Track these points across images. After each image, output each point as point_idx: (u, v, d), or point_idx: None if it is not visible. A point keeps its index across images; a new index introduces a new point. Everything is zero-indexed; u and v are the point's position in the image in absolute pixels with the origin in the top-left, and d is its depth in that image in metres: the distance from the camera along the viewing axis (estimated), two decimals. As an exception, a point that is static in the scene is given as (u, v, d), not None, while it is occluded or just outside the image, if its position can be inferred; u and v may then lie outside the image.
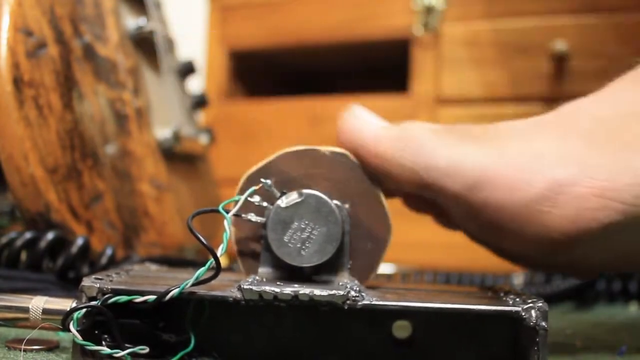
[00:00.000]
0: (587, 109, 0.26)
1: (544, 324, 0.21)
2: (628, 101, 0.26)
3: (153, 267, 0.31)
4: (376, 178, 0.26)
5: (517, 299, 0.22)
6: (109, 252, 0.36)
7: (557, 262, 0.27)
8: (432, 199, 0.26)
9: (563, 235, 0.24)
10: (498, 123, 0.26)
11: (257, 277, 0.23)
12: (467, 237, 0.29)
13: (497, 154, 0.25)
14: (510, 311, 0.21)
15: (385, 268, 0.55)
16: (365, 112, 0.27)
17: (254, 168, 0.26)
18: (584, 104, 0.26)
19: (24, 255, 0.35)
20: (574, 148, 0.25)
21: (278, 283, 0.22)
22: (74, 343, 0.21)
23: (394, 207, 0.27)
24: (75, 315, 0.21)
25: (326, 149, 0.26)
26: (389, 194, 0.27)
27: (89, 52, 0.41)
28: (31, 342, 0.24)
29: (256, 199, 0.24)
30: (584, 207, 0.24)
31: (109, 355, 0.21)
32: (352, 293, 0.22)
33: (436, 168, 0.25)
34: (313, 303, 0.22)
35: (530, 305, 0.21)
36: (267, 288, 0.22)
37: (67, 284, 0.35)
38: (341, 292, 0.22)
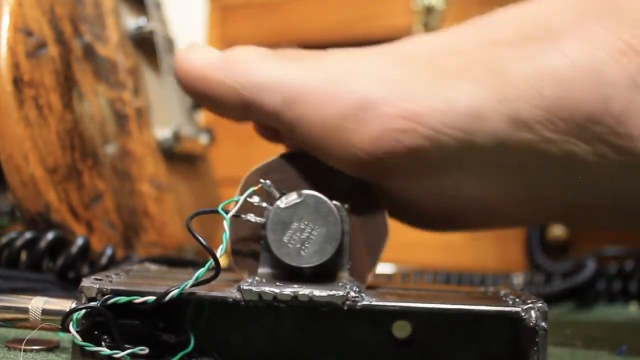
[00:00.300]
0: (423, 40, 0.26)
1: (543, 324, 0.21)
2: (461, 37, 0.26)
3: (153, 267, 0.31)
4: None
5: (517, 299, 0.22)
6: (109, 252, 0.36)
7: (385, 191, 0.26)
8: (260, 122, 0.26)
9: (367, 154, 0.24)
10: (335, 50, 0.27)
11: (256, 278, 0.23)
12: None
13: (313, 71, 0.25)
14: (510, 311, 0.21)
15: (385, 268, 0.55)
16: (202, 45, 0.27)
17: (254, 168, 0.26)
18: (423, 36, 0.27)
19: (24, 255, 0.35)
20: (389, 70, 0.25)
21: (277, 284, 0.22)
22: (74, 344, 0.21)
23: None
24: (75, 316, 0.21)
25: None
26: (230, 118, 0.27)
27: (89, 52, 0.41)
28: (31, 342, 0.24)
29: (255, 199, 0.24)
30: (389, 128, 0.23)
31: (109, 356, 0.21)
32: (352, 293, 0.22)
33: (254, 84, 0.25)
34: (312, 303, 0.22)
35: (530, 305, 0.21)
36: (267, 289, 0.22)
37: (67, 284, 0.34)
38: (341, 293, 0.22)
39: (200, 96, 0.26)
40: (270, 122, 0.26)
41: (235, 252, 0.25)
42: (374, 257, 0.25)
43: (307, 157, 0.26)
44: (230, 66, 0.25)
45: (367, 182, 0.25)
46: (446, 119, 0.23)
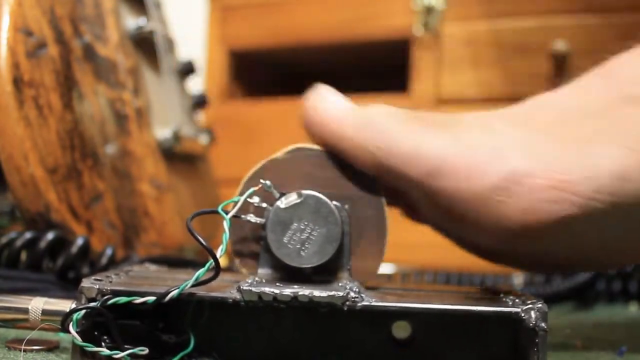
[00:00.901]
0: (552, 102, 0.26)
1: (543, 324, 0.21)
2: (592, 96, 0.26)
3: (153, 267, 0.31)
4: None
5: (517, 300, 0.22)
6: (109, 252, 0.36)
7: (517, 254, 0.26)
8: (395, 188, 0.26)
9: (518, 225, 0.24)
10: (463, 113, 0.26)
11: (256, 278, 0.23)
12: (432, 229, 0.29)
13: (457, 141, 0.25)
14: (510, 312, 0.21)
15: (385, 268, 0.55)
16: (331, 91, 0.27)
17: (254, 168, 0.26)
18: (550, 97, 0.27)
19: (24, 255, 0.35)
20: (533, 140, 0.25)
21: (277, 284, 0.22)
22: (74, 344, 0.21)
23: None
24: (75, 316, 0.21)
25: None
26: None
27: (89, 52, 0.41)
28: (31, 342, 0.24)
29: (256, 199, 0.24)
30: (540, 199, 0.23)
31: (109, 356, 0.21)
32: (352, 294, 0.22)
33: (396, 152, 0.24)
34: (312, 304, 0.22)
35: (530, 306, 0.21)
36: (267, 289, 0.22)
37: (67, 284, 0.35)
38: (341, 293, 0.22)
39: (333, 150, 0.26)
40: (406, 189, 0.26)
41: (236, 253, 0.25)
42: (375, 257, 0.25)
43: (307, 157, 0.25)
44: (368, 128, 0.25)
45: (365, 182, 0.25)
46: (595, 185, 0.23)
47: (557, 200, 0.23)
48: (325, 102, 0.26)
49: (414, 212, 0.30)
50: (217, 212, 0.23)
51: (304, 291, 0.22)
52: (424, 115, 0.26)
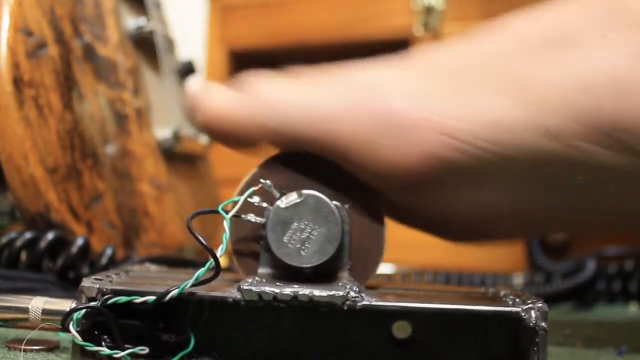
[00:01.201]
0: (446, 50, 0.26)
1: (543, 324, 0.21)
2: (485, 46, 0.26)
3: (153, 267, 0.31)
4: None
5: (517, 300, 0.22)
6: (109, 252, 0.36)
7: (413, 208, 0.26)
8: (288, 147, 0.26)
9: (403, 169, 0.24)
10: (348, 66, 0.26)
11: (256, 278, 0.23)
12: None
13: (338, 92, 0.25)
14: (510, 312, 0.21)
15: (385, 268, 0.55)
16: (209, 84, 0.27)
17: (254, 168, 0.26)
18: (446, 45, 0.26)
19: (24, 255, 0.35)
20: (416, 82, 0.25)
21: (277, 283, 0.22)
22: (74, 344, 0.21)
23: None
24: (75, 315, 0.21)
25: None
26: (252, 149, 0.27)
27: (89, 52, 0.41)
28: (31, 342, 0.24)
29: (256, 199, 0.24)
30: (421, 140, 0.23)
31: (109, 356, 0.21)
32: (352, 293, 0.22)
33: (283, 117, 0.24)
34: (313, 304, 0.22)
35: (530, 305, 0.21)
36: (267, 289, 0.22)
37: (67, 284, 0.35)
38: (341, 293, 0.22)
39: (227, 138, 0.26)
40: (304, 149, 0.26)
41: (236, 253, 0.25)
42: (375, 257, 0.25)
43: (307, 156, 0.25)
44: (253, 102, 0.25)
45: (364, 181, 0.25)
46: (479, 132, 0.23)
47: (440, 145, 0.23)
48: (210, 95, 0.26)
49: None
50: (217, 212, 0.23)
51: (304, 291, 0.22)
52: (306, 75, 0.26)
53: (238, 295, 0.22)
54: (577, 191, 0.25)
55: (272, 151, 0.26)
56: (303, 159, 0.25)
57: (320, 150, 0.25)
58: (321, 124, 0.24)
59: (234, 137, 0.26)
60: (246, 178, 0.25)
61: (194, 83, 0.27)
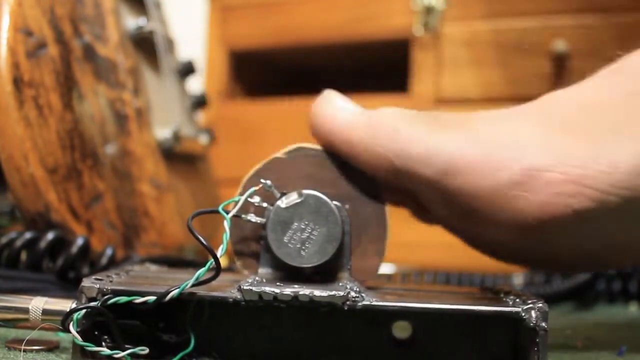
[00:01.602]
0: (566, 98, 0.26)
1: (544, 324, 0.21)
2: (606, 91, 0.26)
3: (153, 267, 0.31)
4: (371, 175, 0.26)
5: (517, 300, 0.22)
6: (109, 252, 0.36)
7: (532, 251, 0.26)
8: (407, 189, 0.26)
9: (535, 220, 0.24)
10: (473, 112, 0.26)
11: (256, 278, 0.23)
12: (444, 228, 0.29)
13: (471, 139, 0.25)
14: (510, 312, 0.21)
15: (385, 268, 0.55)
16: (339, 96, 0.27)
17: (255, 168, 0.26)
18: (564, 93, 0.26)
19: (24, 255, 0.35)
20: (549, 135, 0.25)
21: (278, 284, 0.22)
22: (74, 344, 0.21)
23: (394, 207, 0.27)
24: (75, 316, 0.21)
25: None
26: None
27: (89, 52, 0.41)
28: (31, 342, 0.24)
29: (256, 199, 0.24)
30: (557, 193, 0.24)
31: (109, 356, 0.21)
32: (352, 294, 0.22)
33: (409, 154, 0.24)
34: (313, 304, 0.22)
35: (530, 305, 0.21)
36: (267, 289, 0.22)
37: (67, 284, 0.34)
38: (341, 293, 0.22)
39: (342, 155, 0.26)
40: (419, 190, 0.26)
41: (237, 253, 0.25)
42: (375, 257, 0.25)
43: (308, 156, 0.25)
44: (379, 132, 0.25)
45: (366, 181, 0.25)
46: (612, 179, 0.23)
47: (574, 194, 0.24)
48: (333, 107, 0.26)
49: (425, 212, 0.29)
50: (217, 212, 0.23)
51: (305, 291, 0.22)
52: (435, 115, 0.26)
53: (238, 295, 0.22)
54: None
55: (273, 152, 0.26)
56: (304, 158, 0.25)
57: (440, 194, 0.25)
58: (448, 171, 0.24)
59: (349, 157, 0.25)
60: (247, 178, 0.25)
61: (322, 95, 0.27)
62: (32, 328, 0.23)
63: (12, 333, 0.27)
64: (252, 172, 0.25)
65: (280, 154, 0.26)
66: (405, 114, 0.26)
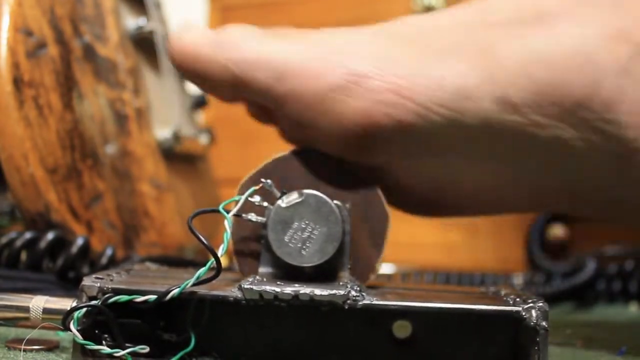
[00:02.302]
0: (412, 20, 0.27)
1: (544, 323, 0.21)
2: (452, 17, 0.26)
3: (153, 267, 0.31)
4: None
5: (518, 299, 0.22)
6: (109, 252, 0.36)
7: (373, 170, 0.26)
8: (260, 105, 0.27)
9: (356, 126, 0.24)
10: (331, 28, 0.27)
11: (257, 277, 0.23)
12: (292, 144, 0.29)
13: (304, 45, 0.25)
14: (511, 311, 0.21)
15: (385, 268, 0.55)
16: (195, 24, 0.28)
17: (255, 168, 0.26)
18: (411, 17, 0.27)
19: (24, 255, 0.35)
20: (381, 45, 0.25)
21: (278, 283, 0.22)
22: (75, 342, 0.21)
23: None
24: (76, 314, 0.21)
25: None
26: (222, 98, 0.28)
27: (89, 52, 0.41)
28: (31, 342, 0.24)
29: (256, 199, 0.24)
30: (378, 100, 0.24)
31: (110, 355, 0.21)
32: (353, 293, 0.22)
33: (245, 60, 0.25)
34: (313, 303, 0.22)
35: (531, 305, 0.21)
36: (268, 288, 0.22)
37: (67, 284, 0.34)
38: (342, 292, 0.22)
39: (192, 74, 0.26)
40: (261, 99, 0.26)
41: (237, 252, 0.25)
42: (377, 256, 0.25)
43: (308, 156, 0.26)
44: (222, 44, 0.26)
45: (367, 181, 0.25)
46: (435, 96, 0.23)
47: (395, 105, 0.24)
48: (187, 32, 0.27)
49: (281, 130, 0.30)
50: (218, 211, 0.23)
51: (305, 290, 0.22)
52: (274, 29, 0.27)
53: (239, 295, 0.22)
54: (534, 169, 0.25)
55: (275, 152, 0.26)
56: (305, 159, 0.25)
57: (273, 101, 0.25)
58: (278, 73, 0.25)
59: (199, 75, 0.26)
60: (247, 177, 0.25)
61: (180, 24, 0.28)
62: (33, 327, 0.23)
63: (12, 332, 0.27)
64: (252, 172, 0.25)
65: (280, 154, 0.26)
66: (250, 28, 0.26)
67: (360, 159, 0.25)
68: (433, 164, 0.26)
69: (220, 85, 0.26)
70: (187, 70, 0.26)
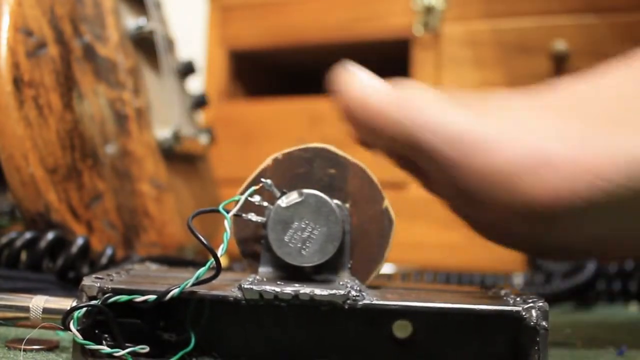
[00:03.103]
0: (583, 89, 0.27)
1: (544, 323, 0.21)
2: (617, 83, 0.26)
3: (153, 266, 0.31)
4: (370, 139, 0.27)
5: (518, 299, 0.22)
6: (109, 252, 0.36)
7: (539, 239, 0.26)
8: (419, 159, 0.27)
9: (541, 205, 0.24)
10: (498, 96, 0.27)
11: (257, 277, 0.23)
12: (448, 206, 0.29)
13: (483, 117, 0.25)
14: (511, 311, 0.21)
15: (385, 268, 0.55)
16: (365, 74, 0.27)
17: (257, 168, 0.25)
18: (580, 85, 0.27)
19: (24, 255, 0.35)
20: (561, 122, 0.25)
21: (278, 283, 0.22)
22: (74, 342, 0.21)
23: (394, 207, 0.27)
24: (76, 314, 0.21)
25: (328, 147, 0.26)
26: (382, 152, 0.28)
27: (89, 52, 0.41)
28: (31, 341, 0.24)
29: (257, 198, 0.24)
30: (567, 180, 0.24)
31: (109, 355, 0.21)
32: (353, 293, 0.22)
33: (424, 123, 0.25)
34: (313, 303, 0.22)
35: (531, 305, 0.21)
36: (268, 288, 0.22)
37: (67, 284, 0.35)
38: (342, 292, 0.22)
39: (363, 125, 0.27)
40: (432, 161, 0.26)
41: (242, 253, 0.25)
42: (377, 257, 0.25)
43: (309, 157, 0.25)
44: (403, 103, 0.26)
45: (369, 181, 0.25)
46: (621, 171, 0.24)
47: (586, 183, 0.24)
48: (364, 84, 0.27)
49: (432, 184, 0.30)
50: (218, 211, 0.23)
51: (305, 290, 0.22)
52: (457, 96, 0.27)
53: (239, 294, 0.22)
54: None
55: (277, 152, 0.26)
56: (305, 159, 0.25)
57: (446, 167, 0.25)
58: (456, 142, 0.25)
59: (372, 128, 0.26)
60: (249, 178, 0.25)
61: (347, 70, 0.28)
62: (33, 327, 0.23)
63: (12, 332, 0.27)
64: (254, 172, 0.25)
65: (280, 154, 0.26)
66: (429, 90, 0.26)
67: (534, 231, 0.26)
68: (610, 229, 0.26)
69: (390, 142, 0.26)
70: (359, 120, 0.27)
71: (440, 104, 0.26)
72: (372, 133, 0.26)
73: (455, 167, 0.25)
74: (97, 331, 0.22)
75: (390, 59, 0.98)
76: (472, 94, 0.27)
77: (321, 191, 0.24)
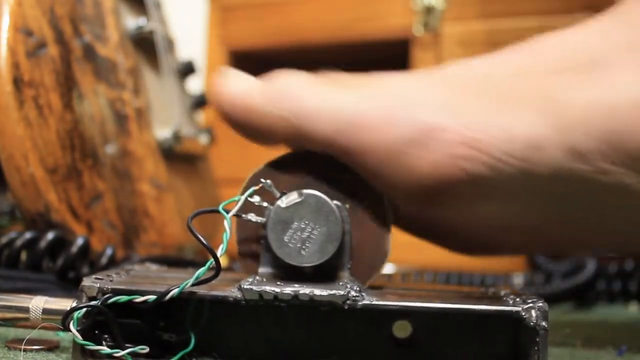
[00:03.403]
0: (474, 65, 0.26)
1: (544, 323, 0.21)
2: (516, 63, 0.26)
3: (153, 267, 0.31)
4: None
5: (517, 299, 0.22)
6: (109, 252, 0.36)
7: (428, 218, 0.26)
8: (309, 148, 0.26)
9: (429, 179, 0.24)
10: (384, 74, 0.26)
11: (257, 277, 0.23)
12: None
13: (368, 97, 0.24)
14: (511, 311, 0.21)
15: (385, 268, 0.55)
16: (237, 72, 0.26)
17: (256, 169, 0.26)
18: (473, 61, 0.27)
19: (24, 255, 0.35)
20: (449, 97, 0.25)
21: (278, 283, 0.22)
22: (74, 343, 0.21)
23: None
24: (76, 315, 0.21)
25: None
26: (273, 145, 0.27)
27: (89, 52, 0.41)
28: (31, 342, 0.24)
29: (256, 199, 0.24)
30: (451, 154, 0.23)
31: (109, 355, 0.21)
32: (353, 293, 0.22)
33: (305, 112, 0.24)
34: (313, 303, 0.22)
35: (531, 305, 0.21)
36: (267, 288, 0.22)
37: (67, 284, 0.34)
38: (341, 292, 0.22)
39: (244, 127, 0.25)
40: (321, 149, 0.25)
41: (240, 253, 0.25)
42: (378, 257, 0.25)
43: (310, 157, 0.25)
44: (277, 94, 0.25)
45: (368, 181, 0.25)
46: (507, 147, 0.23)
47: (469, 158, 0.23)
48: (233, 81, 0.26)
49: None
50: (217, 212, 0.23)
51: (305, 290, 0.22)
52: (331, 76, 0.26)
53: (239, 295, 0.22)
54: (593, 211, 0.25)
55: (277, 152, 0.26)
56: (305, 159, 0.25)
57: (337, 152, 0.25)
58: (345, 127, 0.24)
59: (250, 127, 0.25)
60: (248, 178, 0.25)
61: (220, 71, 0.26)
62: (32, 327, 0.23)
63: (12, 333, 0.27)
64: (253, 172, 0.25)
65: (280, 154, 0.26)
66: (304, 77, 0.25)
67: (425, 209, 0.25)
68: (487, 208, 0.25)
69: (277, 137, 0.25)
70: (238, 123, 0.25)
71: (320, 87, 0.25)
72: (260, 134, 0.25)
73: (352, 154, 0.24)
74: (97, 331, 0.22)
75: (390, 59, 0.98)
76: (345, 74, 0.26)
77: (320, 191, 0.24)
